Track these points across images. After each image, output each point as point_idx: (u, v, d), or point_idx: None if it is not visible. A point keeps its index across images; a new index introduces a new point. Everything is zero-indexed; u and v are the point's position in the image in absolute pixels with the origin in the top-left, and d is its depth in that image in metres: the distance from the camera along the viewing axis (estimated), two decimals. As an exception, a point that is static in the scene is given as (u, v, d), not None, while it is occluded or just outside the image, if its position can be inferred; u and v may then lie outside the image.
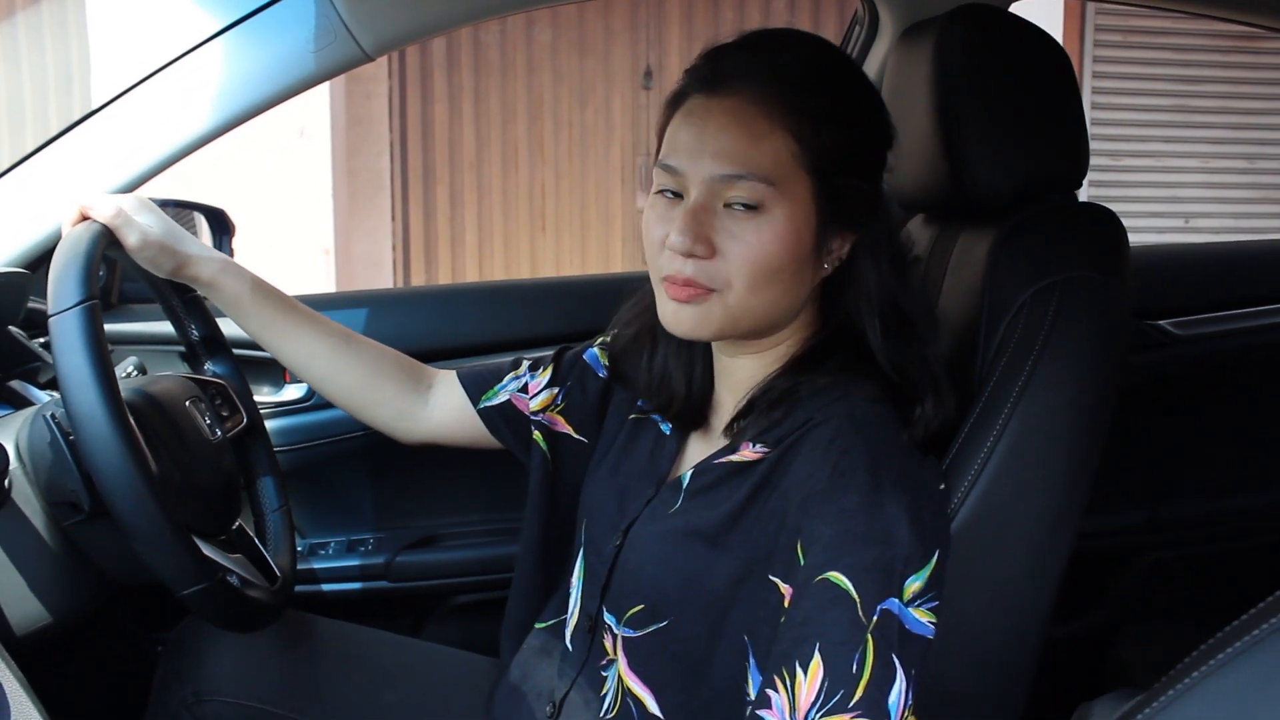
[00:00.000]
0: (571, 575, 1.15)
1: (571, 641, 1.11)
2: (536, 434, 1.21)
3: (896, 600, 0.85)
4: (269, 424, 1.58)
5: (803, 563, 0.88)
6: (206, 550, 1.09)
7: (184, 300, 1.26)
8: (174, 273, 1.16)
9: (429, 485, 1.69)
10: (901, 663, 0.84)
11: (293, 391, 1.61)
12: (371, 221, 5.82)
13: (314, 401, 1.61)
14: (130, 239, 1.11)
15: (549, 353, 1.24)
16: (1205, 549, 1.77)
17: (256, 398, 1.59)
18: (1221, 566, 1.76)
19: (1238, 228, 5.92)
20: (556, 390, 1.21)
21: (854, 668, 0.83)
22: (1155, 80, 5.81)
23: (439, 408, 1.26)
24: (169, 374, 1.24)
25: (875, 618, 0.84)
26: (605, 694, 1.04)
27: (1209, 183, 5.95)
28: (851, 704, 0.82)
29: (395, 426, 1.26)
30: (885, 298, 0.97)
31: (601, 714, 1.03)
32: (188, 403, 1.17)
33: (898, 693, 0.83)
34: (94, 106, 1.40)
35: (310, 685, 1.23)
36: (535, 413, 1.21)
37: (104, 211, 1.10)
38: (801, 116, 0.92)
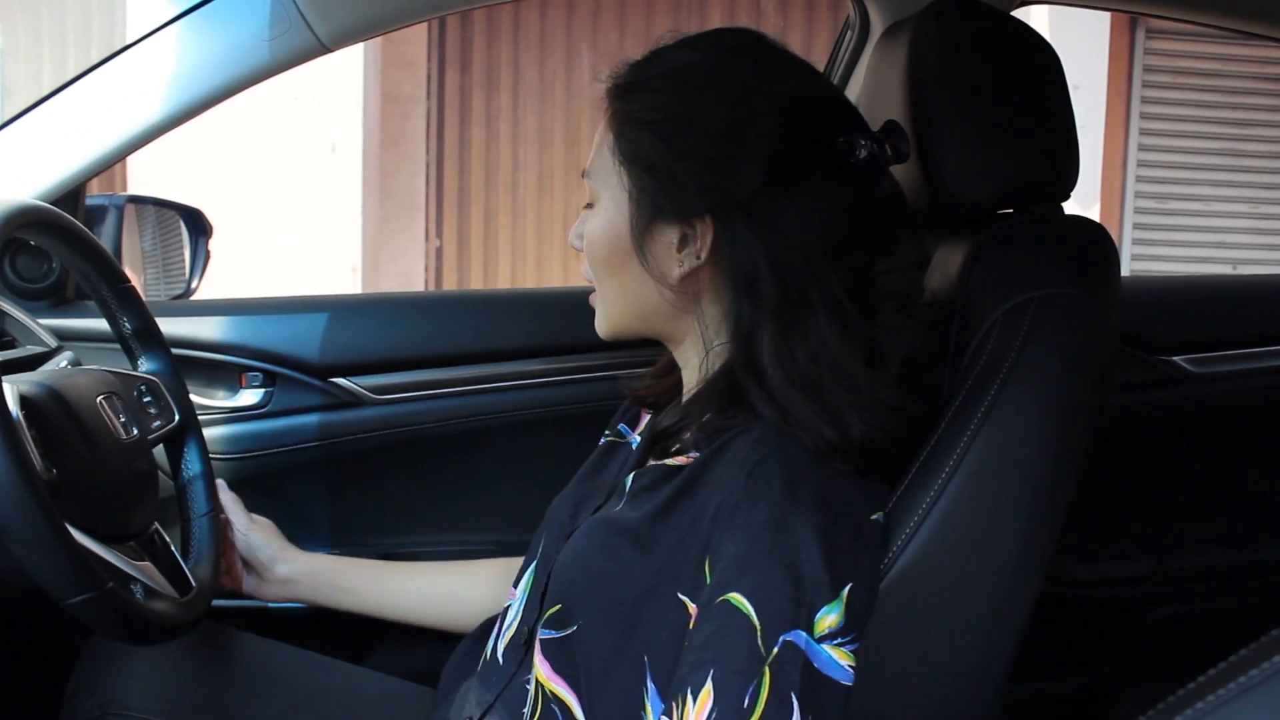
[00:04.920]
0: (516, 588, 1.09)
1: (504, 655, 1.04)
2: None
3: (804, 633, 0.78)
4: (220, 430, 1.52)
5: (709, 580, 0.81)
6: (108, 556, 1.02)
7: (115, 290, 1.19)
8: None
9: (388, 502, 1.61)
10: (801, 704, 0.76)
11: (248, 397, 1.54)
12: (404, 241, 5.81)
13: (270, 408, 1.54)
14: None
15: None
16: (1216, 604, 1.65)
17: (210, 401, 1.54)
18: (1233, 624, 1.63)
19: (1288, 276, 5.75)
20: None
21: (745, 702, 0.76)
22: (1204, 123, 5.67)
23: None
24: (91, 368, 1.17)
25: (776, 649, 0.77)
26: (526, 708, 0.96)
27: (1258, 229, 5.78)
28: None
29: None
30: (749, 288, 0.90)
31: None
32: (100, 399, 1.10)
33: None
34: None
35: (223, 704, 1.17)
36: None
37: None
38: (621, 115, 0.95)
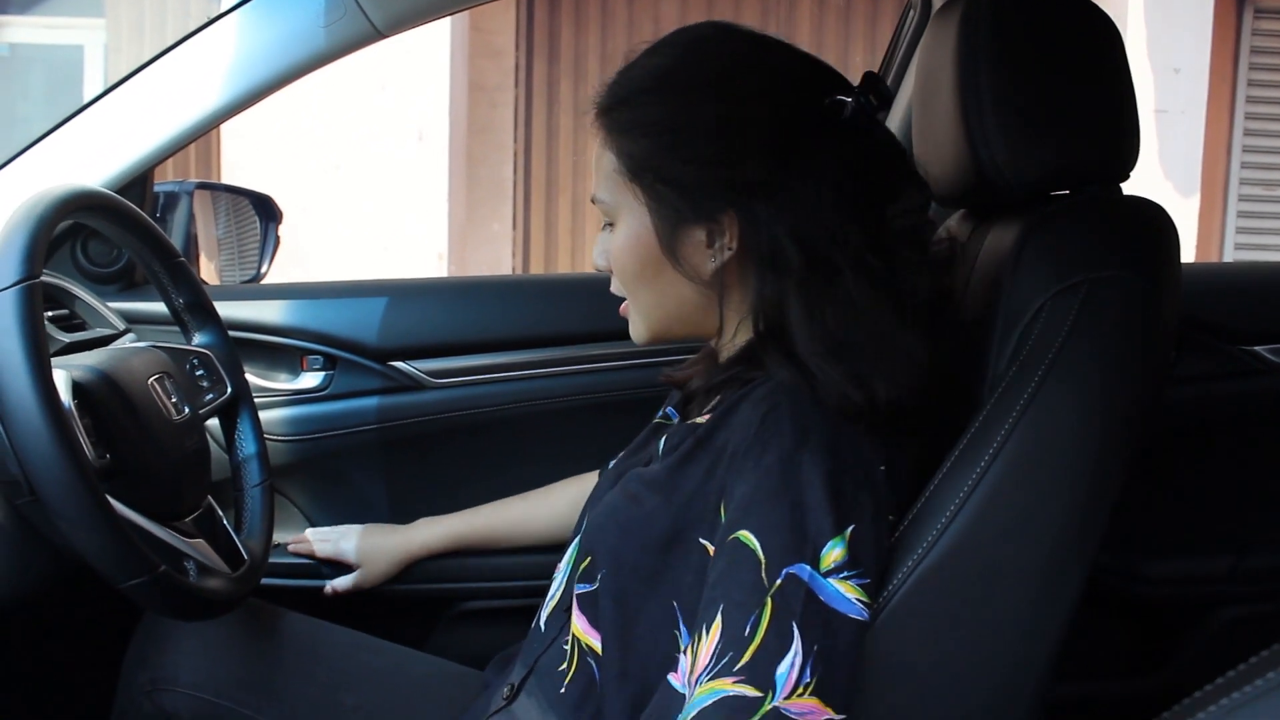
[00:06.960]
0: (560, 562, 1.09)
1: (546, 623, 1.06)
2: None
3: (809, 566, 0.81)
4: (281, 412, 1.55)
5: (723, 521, 0.86)
6: (162, 535, 1.05)
7: (167, 265, 1.22)
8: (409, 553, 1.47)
9: (446, 485, 1.62)
10: (802, 633, 0.79)
11: (309, 379, 1.57)
12: (493, 228, 5.87)
13: (330, 391, 1.56)
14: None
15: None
16: (1293, 606, 1.58)
17: (271, 384, 1.57)
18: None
19: (1404, 265, 5.48)
20: None
21: (746, 630, 0.80)
22: (1316, 104, 5.44)
23: None
24: (142, 345, 1.20)
25: (779, 580, 0.81)
26: (562, 665, 0.98)
27: (1372, 215, 5.53)
28: (736, 668, 0.79)
29: None
30: (778, 269, 0.92)
31: (562, 689, 0.97)
32: (152, 380, 1.12)
33: (789, 664, 0.78)
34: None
35: (269, 681, 1.19)
36: None
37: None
38: (616, 135, 0.96)
